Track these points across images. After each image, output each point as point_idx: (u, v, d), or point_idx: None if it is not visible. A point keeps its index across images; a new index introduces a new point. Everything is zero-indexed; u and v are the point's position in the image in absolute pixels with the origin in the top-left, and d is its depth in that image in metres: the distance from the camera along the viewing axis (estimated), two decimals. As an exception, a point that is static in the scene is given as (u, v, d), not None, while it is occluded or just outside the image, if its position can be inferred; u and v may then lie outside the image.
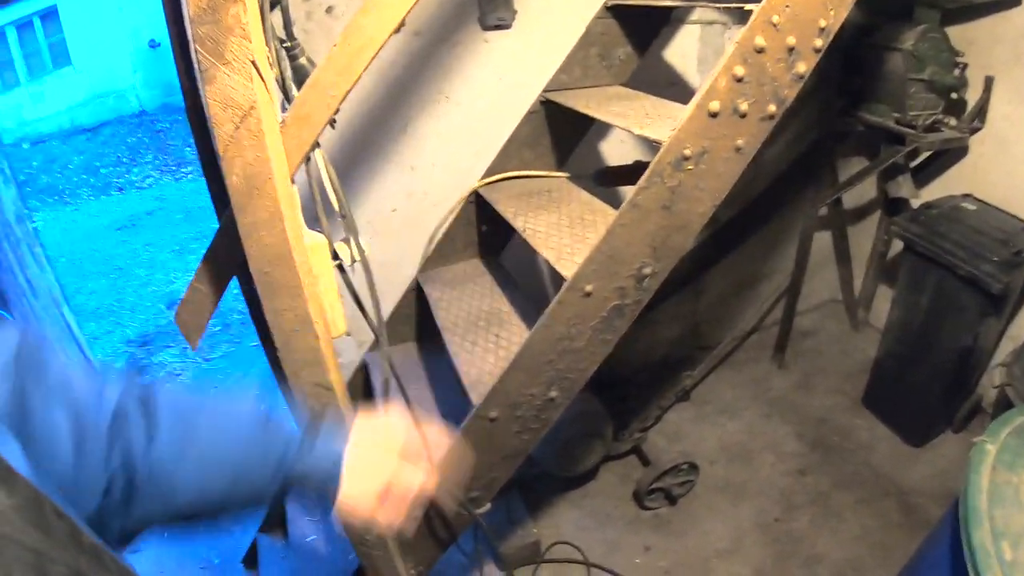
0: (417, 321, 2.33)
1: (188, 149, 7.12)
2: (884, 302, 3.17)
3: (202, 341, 4.03)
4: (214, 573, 2.72)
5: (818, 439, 2.89)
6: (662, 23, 2.23)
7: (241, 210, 1.20)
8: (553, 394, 1.54)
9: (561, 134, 2.18)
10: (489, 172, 2.16)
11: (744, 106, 1.33)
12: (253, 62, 1.10)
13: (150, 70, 9.78)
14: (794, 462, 2.78)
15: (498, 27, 2.30)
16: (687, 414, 3.07)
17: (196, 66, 1.10)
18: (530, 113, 2.13)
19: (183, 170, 6.82)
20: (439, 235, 2.26)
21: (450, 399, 1.98)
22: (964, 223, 2.45)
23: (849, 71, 2.80)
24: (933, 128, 2.53)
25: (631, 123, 1.63)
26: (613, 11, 2.06)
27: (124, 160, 7.12)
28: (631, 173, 2.10)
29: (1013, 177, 2.59)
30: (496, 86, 2.41)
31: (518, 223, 1.82)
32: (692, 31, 2.66)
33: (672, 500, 2.57)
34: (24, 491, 0.48)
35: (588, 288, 1.43)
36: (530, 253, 1.81)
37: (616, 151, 2.68)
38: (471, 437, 1.57)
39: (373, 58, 1.35)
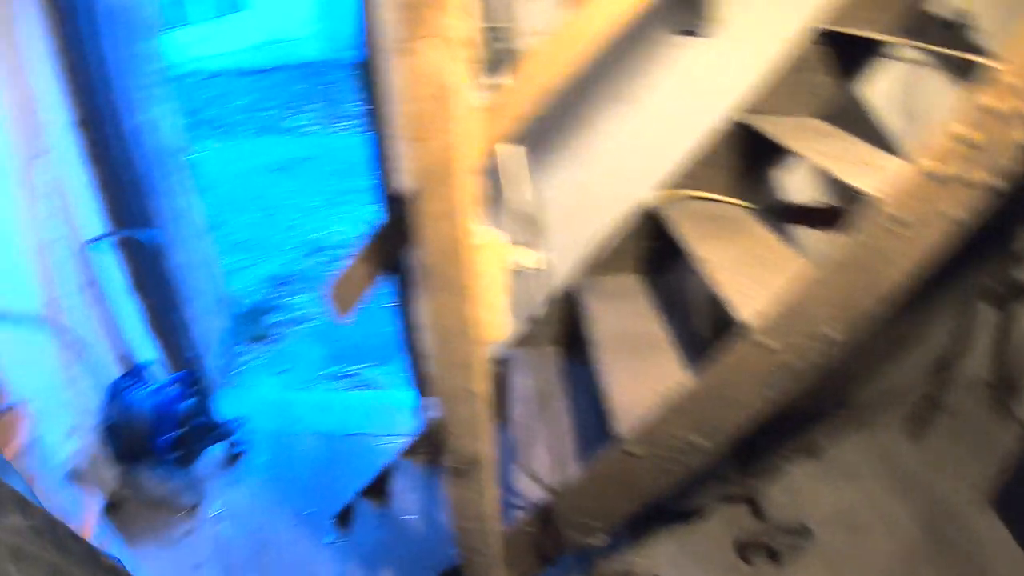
0: (564, 326, 2.31)
1: (349, 105, 7.39)
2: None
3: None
4: (304, 522, 2.84)
5: (936, 527, 2.72)
6: (870, 57, 2.09)
7: (423, 195, 1.16)
8: (700, 441, 1.50)
9: (748, 160, 2.10)
10: (665, 186, 2.09)
11: (973, 175, 1.20)
12: (458, 40, 1.03)
13: (326, 23, 10.27)
14: (906, 546, 2.65)
15: (689, 34, 2.20)
16: (807, 469, 2.97)
17: (390, 35, 1.05)
18: (717, 132, 2.05)
19: (342, 124, 7.09)
20: (606, 244, 2.21)
21: (585, 413, 1.96)
22: None
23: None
24: None
25: (839, 168, 1.52)
26: (819, 36, 1.95)
27: (288, 105, 7.49)
28: (817, 215, 2.11)
29: None
30: (679, 96, 2.34)
31: (696, 250, 1.76)
32: (895, 69, 2.38)
33: (775, 559, 2.48)
34: (40, 515, 0.49)
35: (764, 341, 1.36)
36: (693, 277, 1.75)
37: (795, 184, 2.49)
38: (607, 468, 1.55)
39: (589, 56, 1.30)
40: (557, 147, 2.41)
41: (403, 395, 3.45)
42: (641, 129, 2.36)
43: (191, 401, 2.81)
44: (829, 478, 2.92)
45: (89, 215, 2.80)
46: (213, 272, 3.96)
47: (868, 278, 1.30)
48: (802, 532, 2.49)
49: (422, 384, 3.14)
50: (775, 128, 1.84)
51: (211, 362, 3.51)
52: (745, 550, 2.49)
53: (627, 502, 1.61)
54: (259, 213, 5.49)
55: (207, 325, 3.63)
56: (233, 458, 3.13)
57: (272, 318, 4.21)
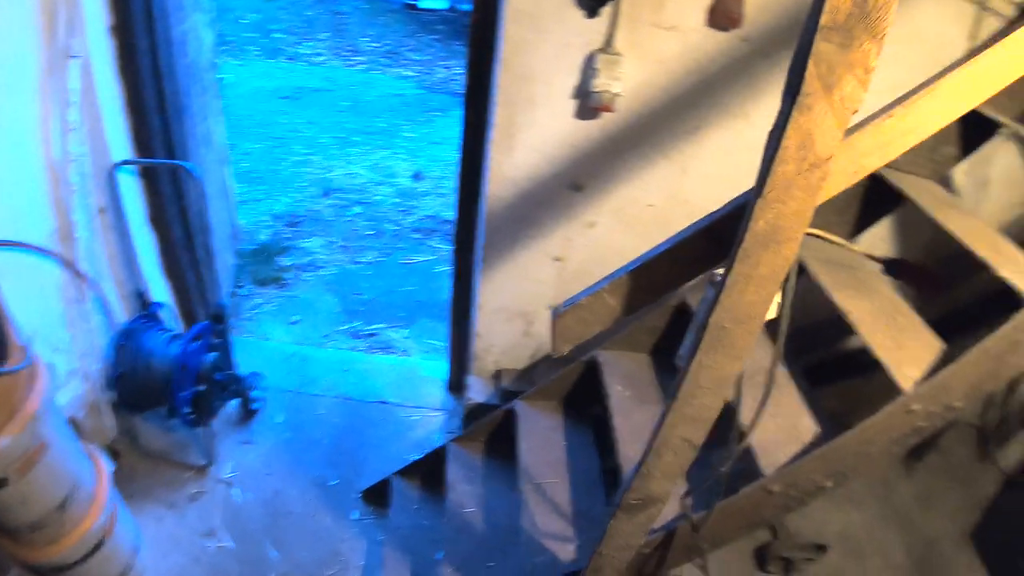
0: (662, 334, 2.24)
1: (364, 40, 6.96)
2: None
3: (354, 243, 3.98)
4: (326, 493, 2.68)
5: (924, 561, 2.87)
6: (991, 133, 2.03)
7: (746, 258, 1.11)
8: (827, 483, 1.58)
9: (868, 210, 2.05)
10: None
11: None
12: (852, 110, 0.96)
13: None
14: (896, 573, 2.81)
15: None
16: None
17: (793, 86, 0.93)
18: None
19: (356, 58, 6.66)
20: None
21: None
22: None
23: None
24: None
25: (1000, 262, 1.53)
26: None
27: (298, 31, 7.00)
28: (925, 278, 2.22)
29: None
30: None
31: (841, 302, 1.70)
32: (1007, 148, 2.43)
33: (788, 570, 2.62)
34: None
35: (912, 407, 1.45)
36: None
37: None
38: (745, 502, 1.60)
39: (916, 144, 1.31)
40: (666, 148, 2.32)
41: (430, 365, 3.30)
42: (754, 145, 2.14)
43: (214, 355, 2.57)
44: (837, 502, 3.01)
45: (114, 134, 2.45)
46: (229, 205, 3.67)
47: (1000, 365, 1.41)
48: (817, 548, 2.63)
49: (460, 360, 2.99)
50: (913, 191, 1.84)
51: (228, 307, 3.26)
52: (766, 561, 2.59)
53: (742, 530, 1.70)
54: (269, 142, 5.13)
55: (223, 264, 3.37)
56: (247, 415, 2.92)
57: (283, 261, 3.94)
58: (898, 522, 3.01)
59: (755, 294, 1.13)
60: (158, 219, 2.75)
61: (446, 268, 3.47)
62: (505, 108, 2.19)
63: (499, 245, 2.49)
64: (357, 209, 4.42)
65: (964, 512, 3.11)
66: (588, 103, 2.12)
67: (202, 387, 2.49)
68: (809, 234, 2.01)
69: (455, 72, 6.50)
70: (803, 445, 1.65)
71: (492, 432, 2.43)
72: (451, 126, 5.61)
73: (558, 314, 1.73)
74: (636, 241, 2.40)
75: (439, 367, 3.23)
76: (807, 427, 1.74)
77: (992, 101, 1.75)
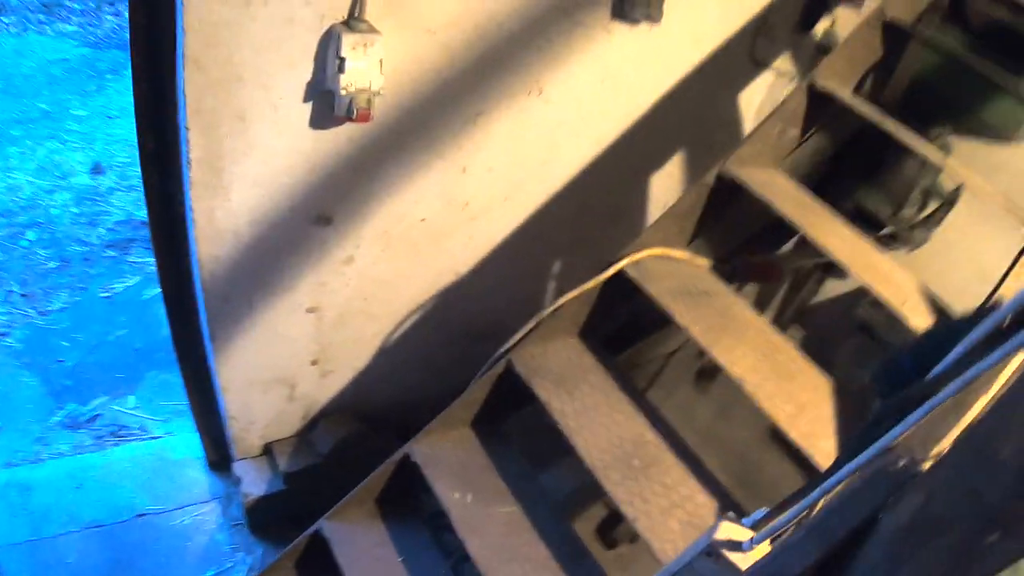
0: (488, 406, 1.81)
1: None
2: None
3: (37, 286, 2.92)
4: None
5: (742, 474, 2.87)
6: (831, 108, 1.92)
7: None
8: None
9: (709, 212, 1.77)
10: (637, 245, 1.61)
11: None
12: None
13: None
14: (727, 500, 2.95)
15: (638, 21, 1.79)
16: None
17: None
18: (702, 186, 1.71)
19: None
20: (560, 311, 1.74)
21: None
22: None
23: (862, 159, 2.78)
24: (914, 228, 2.67)
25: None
26: (812, 93, 1.76)
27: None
28: (763, 271, 2.13)
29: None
30: (596, 89, 1.91)
31: (718, 356, 1.49)
32: (766, 79, 2.32)
33: (634, 540, 2.41)
34: None
35: None
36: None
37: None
38: None
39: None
40: (442, 147, 1.80)
41: (179, 441, 2.52)
42: (549, 126, 1.92)
43: None
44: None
45: None
46: None
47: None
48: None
49: (211, 429, 2.29)
50: (776, 199, 1.65)
51: None
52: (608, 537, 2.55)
53: None
54: None
55: None
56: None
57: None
58: (707, 442, 3.03)
59: None
60: None
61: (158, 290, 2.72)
62: (203, 133, 1.43)
63: (230, 314, 1.81)
64: (31, 235, 3.22)
65: (756, 415, 3.29)
66: (336, 112, 1.44)
67: None
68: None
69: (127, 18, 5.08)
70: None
71: (299, 560, 1.84)
72: (130, 90, 4.47)
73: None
74: (407, 266, 2.00)
75: (190, 442, 2.47)
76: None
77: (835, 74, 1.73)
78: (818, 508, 0.73)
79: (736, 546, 0.78)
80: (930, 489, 0.59)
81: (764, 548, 0.77)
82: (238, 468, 2.20)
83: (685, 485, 1.53)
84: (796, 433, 1.37)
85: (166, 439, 2.54)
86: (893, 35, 1.77)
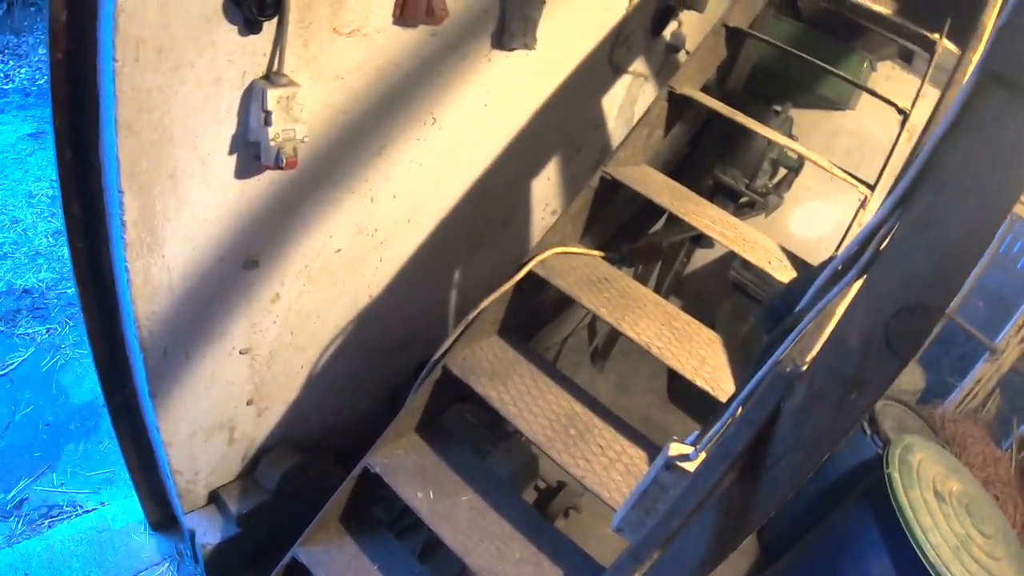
0: (425, 410, 1.95)
1: None
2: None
3: None
4: None
5: (651, 435, 3.34)
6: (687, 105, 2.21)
7: None
8: None
9: (595, 208, 2.02)
10: (541, 246, 1.83)
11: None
12: None
13: None
14: (653, 449, 3.25)
15: (515, 49, 2.02)
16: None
17: None
18: (588, 188, 1.96)
19: None
20: (481, 315, 1.87)
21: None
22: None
23: (716, 140, 3.15)
24: (768, 194, 3.03)
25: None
26: (672, 98, 2.04)
27: None
28: (648, 252, 2.32)
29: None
30: (481, 113, 2.12)
31: (627, 330, 1.71)
32: (624, 81, 2.64)
33: (567, 515, 2.79)
34: None
35: None
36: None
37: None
38: None
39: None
40: (352, 180, 1.93)
41: (117, 509, 2.48)
42: (441, 151, 2.09)
43: None
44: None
45: None
46: None
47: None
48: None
49: (151, 491, 2.29)
50: (650, 190, 1.91)
51: None
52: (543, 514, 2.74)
53: None
54: None
55: None
56: None
57: None
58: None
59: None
60: None
61: (57, 359, 2.89)
62: (137, 195, 1.50)
63: (169, 368, 1.84)
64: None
65: (655, 380, 3.61)
66: (264, 162, 1.56)
67: None
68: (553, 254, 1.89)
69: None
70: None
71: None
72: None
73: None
74: (327, 296, 2.13)
75: (128, 507, 2.43)
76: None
77: (689, 79, 2.02)
78: (738, 415, 0.98)
79: (685, 458, 1.02)
80: (810, 378, 0.85)
81: (703, 456, 1.02)
82: (190, 521, 2.21)
83: (617, 443, 1.75)
84: (702, 381, 1.61)
85: (102, 510, 2.48)
86: (735, 37, 2.08)
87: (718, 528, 0.96)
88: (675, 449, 1.02)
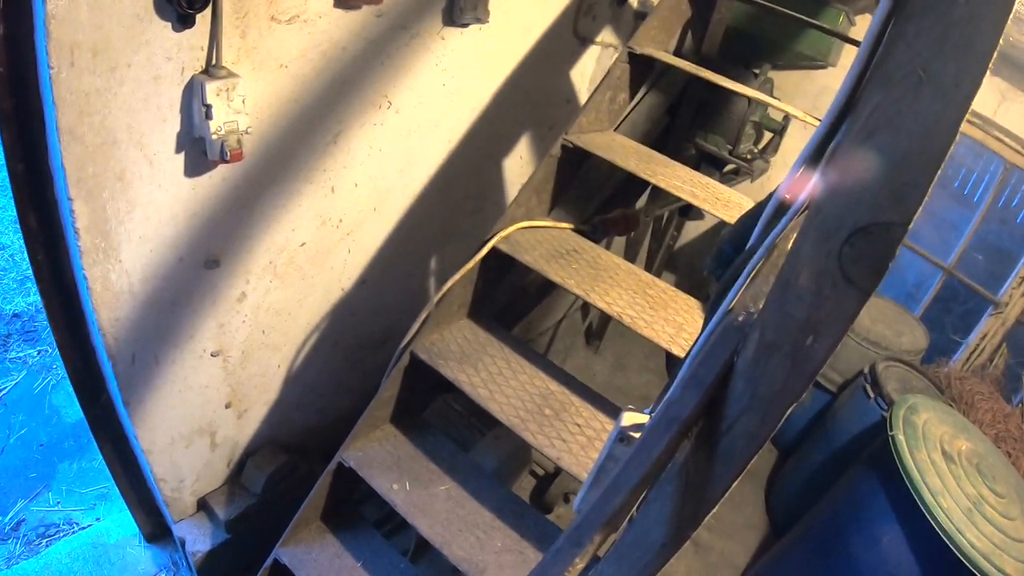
0: (402, 401, 1.90)
1: None
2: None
3: None
4: None
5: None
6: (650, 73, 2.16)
7: None
8: None
9: (561, 179, 1.95)
10: (504, 222, 1.78)
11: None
12: None
13: None
14: None
15: (468, 24, 1.96)
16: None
17: None
18: (550, 157, 1.88)
19: None
20: (447, 297, 1.81)
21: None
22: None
23: (697, 106, 3.06)
24: (753, 159, 2.94)
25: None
26: (632, 59, 1.98)
27: None
28: (621, 222, 2.23)
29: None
30: (438, 93, 2.06)
31: (597, 301, 1.64)
32: (593, 52, 2.56)
33: (567, 500, 2.81)
34: None
35: None
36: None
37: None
38: None
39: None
40: (310, 171, 1.88)
41: (113, 523, 2.47)
42: (399, 134, 2.03)
43: None
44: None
45: None
46: None
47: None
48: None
49: (141, 502, 2.26)
50: (615, 156, 1.84)
51: None
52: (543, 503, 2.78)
53: None
54: None
55: None
56: None
57: None
58: (612, 397, 3.30)
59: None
60: None
61: (49, 380, 2.88)
62: (86, 201, 1.46)
63: (139, 375, 1.81)
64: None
65: (653, 358, 3.58)
66: (209, 157, 1.52)
67: None
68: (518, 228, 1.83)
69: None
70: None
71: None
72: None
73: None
74: (297, 292, 2.09)
75: (122, 521, 2.42)
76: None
77: (651, 39, 1.97)
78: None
79: (640, 428, 0.95)
80: (763, 326, 0.79)
81: (657, 422, 0.96)
82: (179, 530, 2.18)
83: (596, 420, 1.69)
84: (678, 349, 1.54)
85: (97, 525, 2.47)
86: (699, -4, 1.94)
87: (677, 507, 0.90)
88: (629, 419, 0.95)
